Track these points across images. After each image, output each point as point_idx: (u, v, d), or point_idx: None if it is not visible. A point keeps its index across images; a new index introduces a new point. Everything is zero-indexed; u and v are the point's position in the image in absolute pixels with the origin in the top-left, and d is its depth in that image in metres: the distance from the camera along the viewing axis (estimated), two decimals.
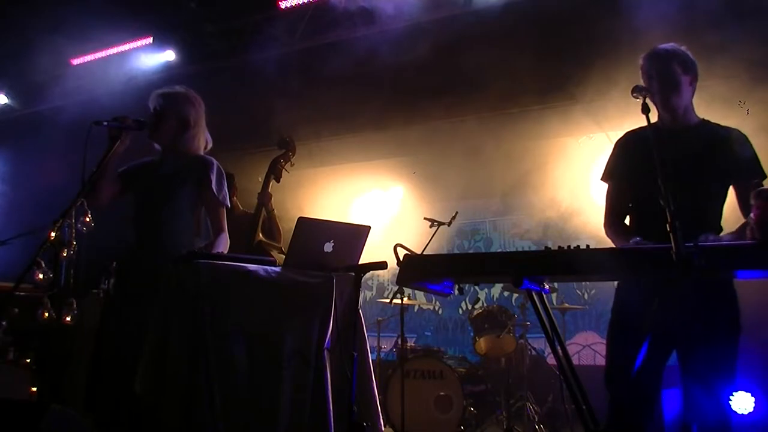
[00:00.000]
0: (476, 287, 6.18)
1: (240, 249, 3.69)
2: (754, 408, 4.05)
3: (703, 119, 2.36)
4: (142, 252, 2.62)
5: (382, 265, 2.47)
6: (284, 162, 4.04)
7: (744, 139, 2.26)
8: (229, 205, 2.78)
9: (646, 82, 2.30)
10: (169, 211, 2.64)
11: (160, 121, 2.68)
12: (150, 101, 2.74)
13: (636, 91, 2.02)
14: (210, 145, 2.89)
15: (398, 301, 4.58)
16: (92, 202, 2.44)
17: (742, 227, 2.15)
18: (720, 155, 2.22)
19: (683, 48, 2.34)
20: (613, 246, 2.29)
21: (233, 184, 4.28)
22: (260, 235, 3.90)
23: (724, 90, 3.92)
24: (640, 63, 2.35)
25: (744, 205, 2.22)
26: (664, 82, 2.26)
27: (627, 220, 2.41)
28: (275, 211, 4.11)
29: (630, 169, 2.34)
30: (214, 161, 2.77)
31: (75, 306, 2.21)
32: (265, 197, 3.95)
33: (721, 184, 2.25)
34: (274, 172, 4.01)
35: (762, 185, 1.82)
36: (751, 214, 1.74)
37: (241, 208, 4.23)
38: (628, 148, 2.39)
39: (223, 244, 2.68)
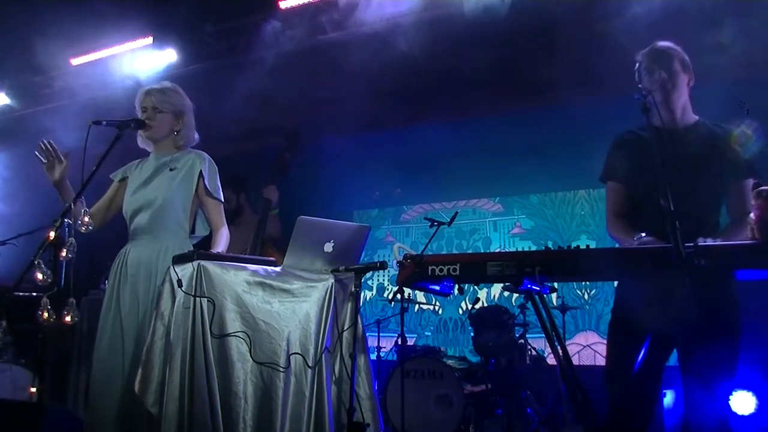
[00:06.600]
0: (476, 287, 6.17)
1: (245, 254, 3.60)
2: (757, 408, 4.04)
3: (701, 119, 2.36)
4: (138, 249, 2.59)
5: (382, 265, 2.47)
6: (290, 154, 3.90)
7: (742, 138, 2.25)
8: (222, 200, 2.76)
9: (646, 79, 2.30)
10: (166, 208, 2.62)
11: (157, 116, 2.69)
12: (139, 99, 2.73)
13: (637, 92, 2.02)
14: (197, 140, 2.86)
15: (398, 301, 4.58)
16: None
17: (729, 227, 2.16)
18: (718, 155, 2.23)
19: (680, 48, 2.36)
20: (617, 246, 2.28)
21: (246, 188, 4.17)
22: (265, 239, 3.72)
23: (724, 90, 3.91)
24: (638, 59, 2.36)
25: (734, 203, 2.23)
26: (667, 79, 2.27)
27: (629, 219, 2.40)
28: (278, 210, 3.96)
29: (629, 168, 2.34)
30: (206, 156, 2.77)
31: (75, 306, 2.20)
32: (270, 192, 3.81)
33: (720, 184, 2.25)
34: (280, 165, 3.87)
35: (762, 185, 1.81)
36: (751, 214, 1.74)
37: (250, 211, 4.10)
38: (626, 148, 2.39)
39: (224, 241, 2.66)
